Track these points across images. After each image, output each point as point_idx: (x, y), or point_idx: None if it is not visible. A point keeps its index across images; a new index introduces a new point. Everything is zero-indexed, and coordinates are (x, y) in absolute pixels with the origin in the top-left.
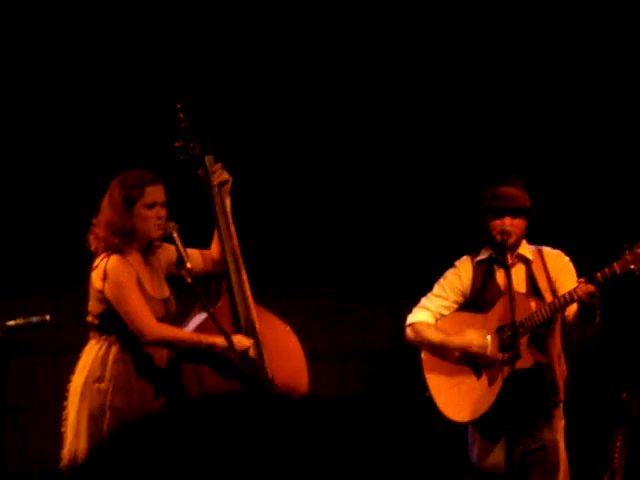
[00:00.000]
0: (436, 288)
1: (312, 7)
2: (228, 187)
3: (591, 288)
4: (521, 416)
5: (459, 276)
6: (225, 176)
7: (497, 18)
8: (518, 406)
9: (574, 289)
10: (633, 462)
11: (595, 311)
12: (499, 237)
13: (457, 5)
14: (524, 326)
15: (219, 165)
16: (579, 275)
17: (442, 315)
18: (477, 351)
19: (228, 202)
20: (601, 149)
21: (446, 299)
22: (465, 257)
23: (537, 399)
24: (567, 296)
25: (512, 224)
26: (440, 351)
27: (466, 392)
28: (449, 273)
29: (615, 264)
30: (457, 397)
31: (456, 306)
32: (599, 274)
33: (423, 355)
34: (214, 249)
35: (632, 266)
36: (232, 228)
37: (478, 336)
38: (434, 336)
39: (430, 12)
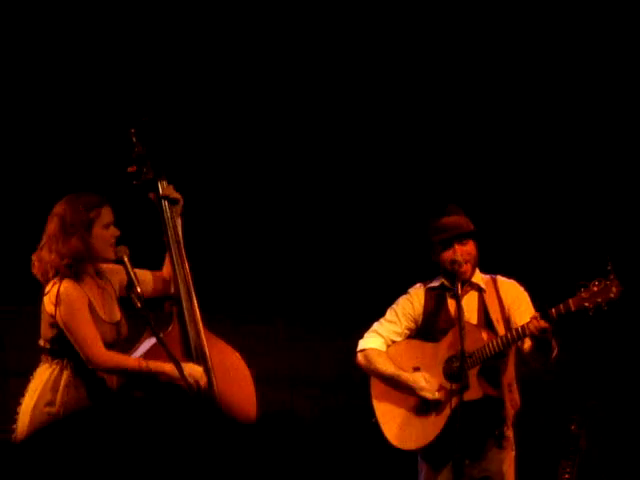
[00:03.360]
0: (388, 313)
1: (258, 40)
2: (179, 208)
3: (543, 324)
4: (467, 446)
5: (411, 302)
6: (176, 194)
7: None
8: (464, 436)
9: (527, 324)
10: None
11: (549, 345)
12: (451, 268)
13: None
14: (474, 358)
15: (171, 187)
16: (534, 307)
17: (393, 341)
18: (424, 395)
19: (179, 225)
20: (563, 182)
21: (398, 325)
22: (418, 284)
23: (484, 430)
24: (520, 330)
25: (462, 251)
26: (390, 381)
27: (413, 420)
28: (401, 299)
29: (570, 301)
30: (404, 425)
31: (408, 332)
32: (553, 310)
33: (372, 382)
34: (165, 270)
35: (587, 304)
36: (183, 253)
37: (429, 384)
38: (385, 367)
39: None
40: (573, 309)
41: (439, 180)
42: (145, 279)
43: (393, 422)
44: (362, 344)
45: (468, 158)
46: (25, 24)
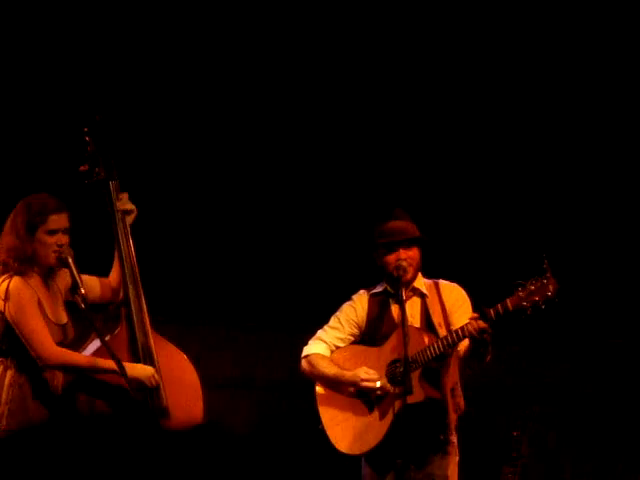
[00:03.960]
0: (332, 320)
1: (216, 33)
2: (132, 218)
3: (482, 324)
4: (411, 451)
5: (354, 308)
6: (130, 205)
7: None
8: (408, 440)
9: (466, 325)
10: None
11: (487, 346)
12: (395, 272)
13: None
14: (416, 361)
15: (125, 195)
16: (474, 310)
17: (337, 347)
18: (366, 386)
19: (129, 230)
20: (496, 182)
21: (342, 331)
22: (362, 291)
23: (427, 434)
24: (459, 332)
25: (407, 256)
26: (334, 384)
27: (357, 426)
28: (345, 305)
29: (508, 300)
30: (348, 430)
31: (352, 338)
32: (491, 310)
33: (317, 388)
34: (113, 277)
35: (525, 303)
36: (133, 255)
37: (369, 375)
38: (328, 370)
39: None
40: (511, 309)
41: (376, 184)
42: (92, 284)
43: (338, 427)
44: (306, 350)
45: (405, 161)
46: None
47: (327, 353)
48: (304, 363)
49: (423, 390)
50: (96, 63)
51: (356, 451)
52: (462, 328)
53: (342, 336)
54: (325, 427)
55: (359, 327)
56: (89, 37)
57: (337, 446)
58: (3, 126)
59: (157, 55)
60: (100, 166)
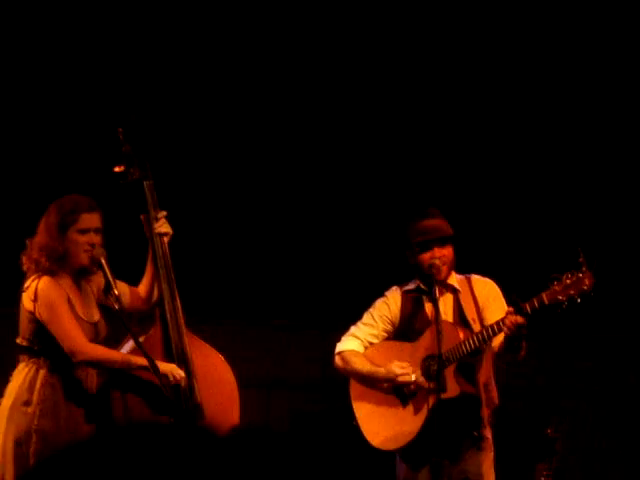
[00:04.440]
0: (365, 317)
1: (244, 42)
2: (167, 239)
3: (519, 319)
4: (445, 446)
5: (388, 305)
6: (166, 228)
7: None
8: (442, 436)
9: (501, 320)
10: None
11: (522, 341)
12: (429, 271)
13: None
14: (451, 356)
15: (163, 214)
16: (508, 304)
17: (371, 343)
18: (402, 381)
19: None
20: (533, 176)
21: (375, 327)
22: (394, 287)
23: (461, 429)
24: (495, 327)
25: (441, 254)
26: (367, 381)
27: (392, 421)
28: (378, 302)
29: (543, 294)
30: (383, 426)
31: (385, 335)
32: (527, 304)
33: (351, 384)
34: (144, 285)
35: (560, 297)
36: (167, 255)
37: (404, 369)
38: (362, 366)
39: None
40: (547, 303)
41: (407, 180)
42: (123, 290)
43: (373, 423)
44: (339, 347)
45: (442, 159)
46: (12, 25)
47: (361, 349)
48: (338, 359)
49: (457, 385)
50: (131, 64)
51: (390, 446)
52: (497, 323)
53: (375, 332)
54: (359, 423)
55: (392, 324)
56: (124, 39)
57: (371, 441)
58: (39, 128)
59: (188, 54)
60: (135, 166)
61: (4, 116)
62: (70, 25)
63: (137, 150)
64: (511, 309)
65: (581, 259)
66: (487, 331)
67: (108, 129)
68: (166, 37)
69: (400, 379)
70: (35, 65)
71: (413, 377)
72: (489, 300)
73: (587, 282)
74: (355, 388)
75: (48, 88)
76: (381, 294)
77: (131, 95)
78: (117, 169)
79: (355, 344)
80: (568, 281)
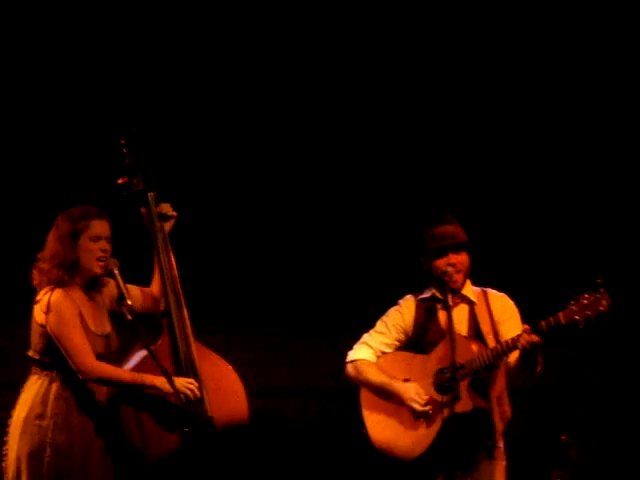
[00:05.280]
0: (378, 325)
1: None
2: (170, 224)
3: (534, 338)
4: (459, 458)
5: (402, 314)
6: (170, 210)
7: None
8: (456, 449)
9: (517, 337)
10: None
11: (537, 358)
12: (444, 277)
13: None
14: (465, 369)
15: (167, 205)
16: (523, 321)
17: (383, 352)
18: (412, 406)
19: (169, 241)
20: (554, 195)
21: (388, 336)
22: (409, 296)
23: (474, 442)
24: (510, 343)
25: (457, 260)
26: (380, 391)
27: (403, 433)
28: (392, 310)
29: (560, 314)
30: (394, 436)
31: (398, 344)
32: (543, 323)
33: (362, 392)
34: (154, 287)
35: (577, 317)
36: (174, 266)
37: (418, 396)
38: (375, 377)
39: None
40: (563, 322)
41: (428, 191)
42: (134, 294)
43: (383, 433)
44: (352, 355)
45: (460, 169)
46: (14, 33)
47: (373, 359)
48: (350, 368)
49: (471, 399)
50: (132, 76)
51: (401, 457)
52: (513, 339)
53: (389, 342)
54: (369, 432)
55: (406, 333)
56: (126, 51)
57: (382, 451)
58: (41, 140)
59: (191, 66)
60: (138, 177)
61: (8, 129)
62: (73, 38)
63: (140, 162)
64: (527, 327)
65: (599, 280)
66: (502, 347)
67: (110, 141)
68: (167, 48)
69: (411, 404)
70: (38, 77)
71: (425, 408)
72: (505, 316)
73: (604, 303)
74: (366, 397)
75: (50, 101)
76: (395, 302)
77: (133, 107)
78: (120, 181)
79: (368, 353)
80: (585, 301)
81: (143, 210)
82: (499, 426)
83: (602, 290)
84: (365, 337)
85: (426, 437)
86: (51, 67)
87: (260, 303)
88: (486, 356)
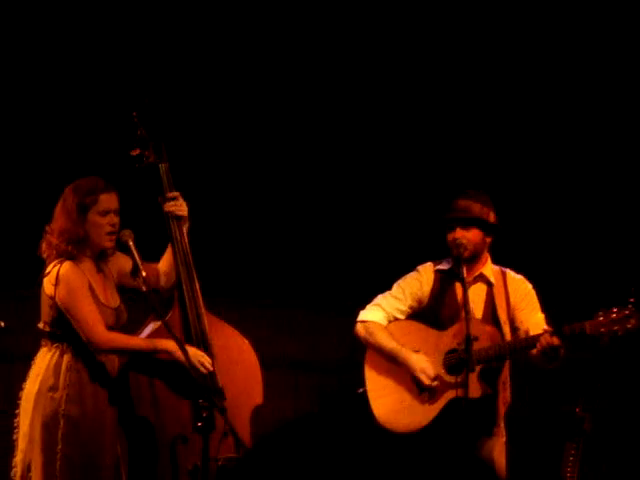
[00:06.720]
0: (395, 289)
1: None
2: (185, 227)
3: (555, 341)
4: (457, 434)
5: (420, 282)
6: (175, 208)
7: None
8: (454, 427)
9: (538, 336)
10: (585, 477)
11: (558, 352)
12: (454, 250)
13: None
14: (479, 356)
15: (175, 194)
16: (543, 310)
17: (396, 318)
18: (419, 377)
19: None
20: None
21: (403, 303)
22: (428, 264)
23: (477, 427)
24: (530, 340)
25: (462, 235)
26: (388, 356)
27: (404, 403)
28: (410, 276)
29: (587, 323)
30: (394, 405)
31: (410, 311)
32: (567, 329)
33: (368, 353)
34: (163, 263)
35: (602, 329)
36: (185, 238)
37: (428, 370)
38: (386, 343)
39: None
40: (588, 332)
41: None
42: (145, 267)
43: (383, 399)
44: (363, 315)
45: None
46: (26, 10)
47: (384, 323)
48: (360, 328)
49: (480, 387)
50: (144, 48)
51: (400, 429)
52: (534, 337)
53: (403, 308)
54: (369, 395)
55: (420, 301)
56: (138, 23)
57: (379, 419)
58: (52, 113)
59: (203, 37)
60: (150, 149)
61: (18, 102)
62: (84, 11)
63: (152, 133)
64: (550, 329)
65: (632, 299)
66: (521, 342)
67: (122, 113)
68: (179, 20)
69: (419, 375)
70: (50, 50)
71: (432, 383)
72: (523, 302)
73: (633, 322)
74: (371, 356)
75: (62, 74)
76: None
77: (145, 78)
78: (132, 153)
79: (380, 316)
80: (614, 316)
81: (160, 199)
82: (501, 410)
83: (633, 308)
84: (380, 299)
85: (426, 413)
86: (66, 39)
87: (275, 278)
88: (503, 348)
